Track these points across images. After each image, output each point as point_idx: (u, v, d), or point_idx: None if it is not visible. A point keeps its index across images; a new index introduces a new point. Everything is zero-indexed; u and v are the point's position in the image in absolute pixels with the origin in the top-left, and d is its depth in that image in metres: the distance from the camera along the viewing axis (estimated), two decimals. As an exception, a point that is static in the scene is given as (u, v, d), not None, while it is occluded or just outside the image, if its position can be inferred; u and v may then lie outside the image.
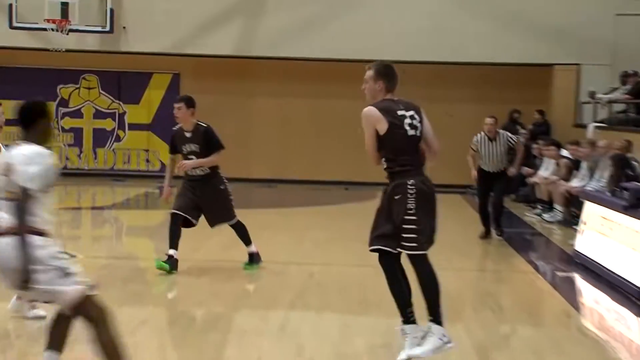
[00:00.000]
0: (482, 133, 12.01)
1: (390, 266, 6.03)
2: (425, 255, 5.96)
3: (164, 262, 8.91)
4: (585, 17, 18.16)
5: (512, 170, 12.13)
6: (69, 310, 4.86)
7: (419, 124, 6.03)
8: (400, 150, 5.95)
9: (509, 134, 12.37)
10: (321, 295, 8.47)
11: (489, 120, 12.05)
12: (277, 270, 9.65)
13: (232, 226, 9.36)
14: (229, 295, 8.52)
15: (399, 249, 5.95)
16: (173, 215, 9.05)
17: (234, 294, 8.64)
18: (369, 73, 6.12)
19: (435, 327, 5.89)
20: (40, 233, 4.76)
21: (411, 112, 6.03)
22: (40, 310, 6.87)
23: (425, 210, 5.92)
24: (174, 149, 9.27)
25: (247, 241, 9.43)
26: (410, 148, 6.00)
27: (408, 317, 6.00)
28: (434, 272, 5.98)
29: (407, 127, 5.98)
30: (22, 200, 4.69)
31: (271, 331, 6.99)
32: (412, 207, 5.85)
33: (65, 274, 4.79)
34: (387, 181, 6.06)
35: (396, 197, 5.91)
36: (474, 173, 12.04)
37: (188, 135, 9.12)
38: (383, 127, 5.93)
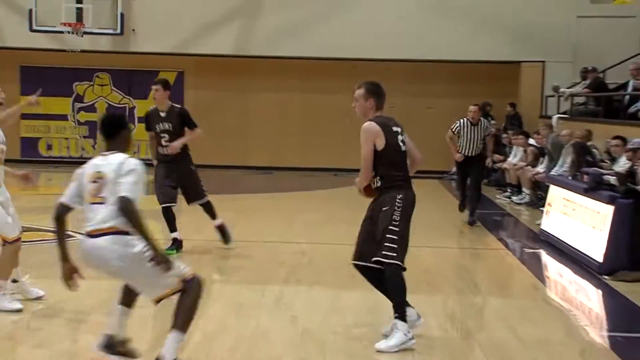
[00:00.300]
0: (465, 119, 11.94)
1: (373, 278, 5.82)
2: (399, 266, 5.64)
3: (169, 248, 8.91)
4: (550, 19, 18.18)
5: (488, 160, 12.47)
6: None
7: (405, 139, 5.82)
8: (394, 165, 5.69)
9: (488, 122, 12.44)
10: (313, 272, 8.42)
11: (473, 107, 12.03)
12: (271, 249, 9.61)
13: (203, 205, 9.27)
14: (228, 271, 8.50)
15: (375, 258, 5.63)
16: (163, 209, 9.02)
17: (232, 270, 8.60)
18: (359, 92, 5.77)
19: (400, 323, 5.63)
20: (128, 232, 4.72)
21: (399, 128, 5.79)
22: (40, 290, 6.70)
23: (406, 224, 5.66)
24: (149, 127, 9.20)
25: (213, 216, 9.29)
26: (402, 163, 5.77)
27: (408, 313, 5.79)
28: (403, 281, 5.67)
29: (401, 143, 5.75)
30: (127, 205, 4.65)
31: (267, 304, 6.95)
32: (397, 219, 5.60)
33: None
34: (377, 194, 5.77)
35: (384, 208, 5.65)
36: (459, 156, 11.92)
37: (163, 115, 9.07)
38: (382, 142, 5.63)
